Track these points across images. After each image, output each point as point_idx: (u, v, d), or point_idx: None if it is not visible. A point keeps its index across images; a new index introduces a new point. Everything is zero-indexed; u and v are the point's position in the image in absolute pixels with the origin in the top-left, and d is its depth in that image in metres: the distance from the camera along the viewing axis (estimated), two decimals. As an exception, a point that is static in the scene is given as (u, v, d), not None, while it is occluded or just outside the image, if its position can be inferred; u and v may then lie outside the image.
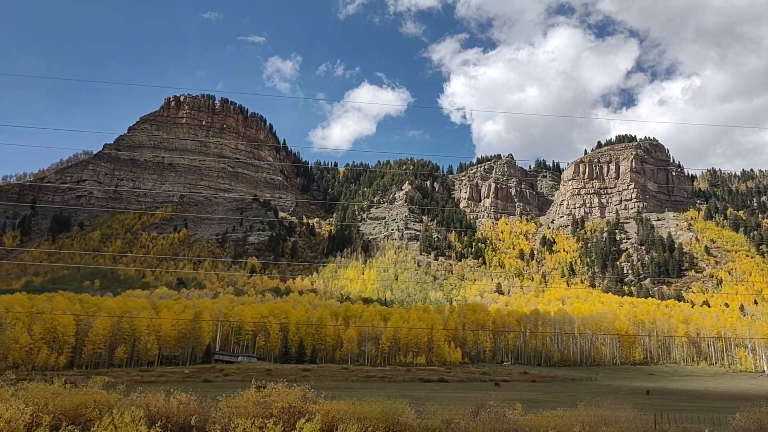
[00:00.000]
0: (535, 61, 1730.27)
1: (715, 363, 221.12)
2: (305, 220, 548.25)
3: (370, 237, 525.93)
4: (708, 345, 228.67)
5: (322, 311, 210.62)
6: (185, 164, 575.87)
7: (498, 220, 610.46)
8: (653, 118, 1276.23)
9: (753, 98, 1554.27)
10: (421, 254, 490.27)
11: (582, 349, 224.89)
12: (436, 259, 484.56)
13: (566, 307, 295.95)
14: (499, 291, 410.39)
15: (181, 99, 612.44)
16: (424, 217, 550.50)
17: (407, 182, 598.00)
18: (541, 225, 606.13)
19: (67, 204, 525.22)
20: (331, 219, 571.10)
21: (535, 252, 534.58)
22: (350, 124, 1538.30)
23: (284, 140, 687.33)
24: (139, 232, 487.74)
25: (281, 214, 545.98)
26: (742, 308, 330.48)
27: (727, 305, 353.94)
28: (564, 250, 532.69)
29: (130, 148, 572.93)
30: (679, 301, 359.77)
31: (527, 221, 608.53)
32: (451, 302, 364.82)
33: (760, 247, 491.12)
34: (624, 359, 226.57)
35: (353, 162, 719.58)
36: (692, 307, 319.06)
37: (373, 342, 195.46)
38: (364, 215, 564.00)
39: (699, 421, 46.47)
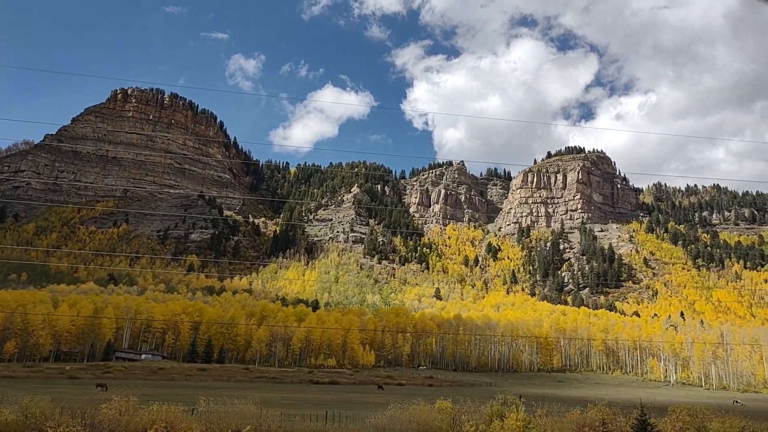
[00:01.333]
0: (498, 70, 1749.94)
1: (629, 372, 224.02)
2: (251, 220, 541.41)
3: (316, 239, 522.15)
4: (625, 354, 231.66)
5: (234, 310, 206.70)
6: (130, 158, 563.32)
7: (446, 226, 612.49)
8: (610, 132, 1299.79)
9: (706, 116, 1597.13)
10: (364, 257, 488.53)
11: (501, 356, 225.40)
12: (380, 263, 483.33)
13: (495, 313, 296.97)
14: (438, 296, 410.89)
15: (129, 92, 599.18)
16: (371, 221, 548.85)
17: (356, 185, 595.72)
18: (488, 232, 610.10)
19: (3, 195, 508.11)
20: (278, 219, 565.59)
21: (480, 259, 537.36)
22: (312, 125, 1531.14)
23: (235, 138, 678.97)
24: (76, 226, 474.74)
25: (226, 213, 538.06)
26: (669, 320, 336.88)
27: (656, 315, 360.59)
28: (508, 258, 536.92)
29: (73, 139, 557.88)
30: (611, 311, 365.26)
31: (475, 228, 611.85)
32: (388, 306, 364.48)
33: (696, 260, 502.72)
34: (542, 366, 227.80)
35: (306, 162, 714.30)
36: (622, 316, 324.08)
37: (283, 343, 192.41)
38: (311, 217, 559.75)
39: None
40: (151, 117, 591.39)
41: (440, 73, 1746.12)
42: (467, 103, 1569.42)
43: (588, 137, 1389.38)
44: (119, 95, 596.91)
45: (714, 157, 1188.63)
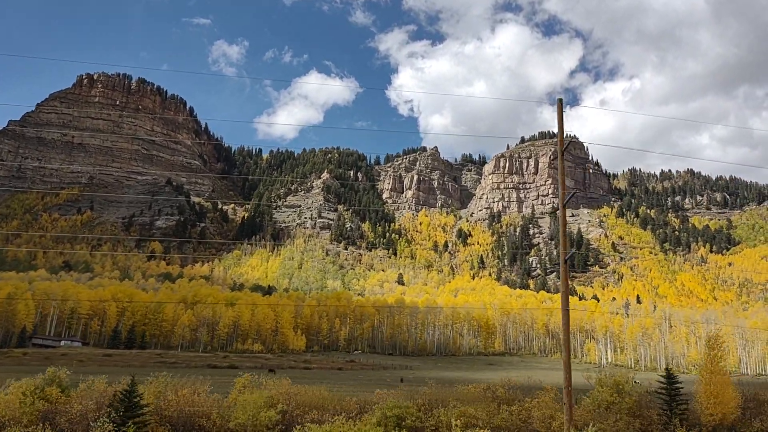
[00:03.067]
0: (482, 55, 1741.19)
1: (576, 355, 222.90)
2: (219, 206, 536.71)
3: (283, 225, 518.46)
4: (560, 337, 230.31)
5: (162, 295, 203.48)
6: (96, 144, 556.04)
7: (419, 212, 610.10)
8: (595, 117, 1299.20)
9: (689, 102, 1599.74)
10: (331, 243, 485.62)
11: (441, 340, 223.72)
12: (346, 249, 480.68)
13: (446, 298, 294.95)
14: (400, 282, 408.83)
15: (95, 77, 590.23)
16: (341, 207, 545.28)
17: (326, 171, 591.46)
18: (461, 218, 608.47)
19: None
20: (248, 206, 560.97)
21: (450, 244, 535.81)
22: (297, 111, 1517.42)
23: (206, 124, 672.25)
24: (39, 213, 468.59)
25: (195, 199, 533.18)
26: (626, 303, 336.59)
27: (614, 299, 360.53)
28: (478, 243, 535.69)
29: (38, 125, 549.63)
30: (572, 296, 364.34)
31: (447, 214, 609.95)
32: (350, 291, 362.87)
33: (664, 244, 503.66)
34: (483, 350, 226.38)
35: (280, 149, 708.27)
36: (579, 301, 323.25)
37: (208, 328, 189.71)
38: (280, 203, 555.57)
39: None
40: (118, 102, 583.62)
41: (425, 58, 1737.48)
42: (452, 88, 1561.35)
43: (572, 123, 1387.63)
44: (85, 80, 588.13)
45: (698, 143, 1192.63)
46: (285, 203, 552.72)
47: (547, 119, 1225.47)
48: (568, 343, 29.10)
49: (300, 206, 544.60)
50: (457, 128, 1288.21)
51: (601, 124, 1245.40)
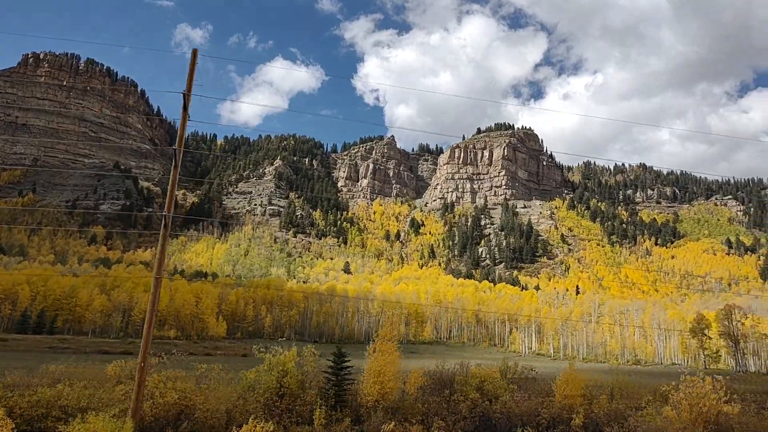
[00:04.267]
0: (448, 46, 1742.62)
1: (497, 344, 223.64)
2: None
3: (233, 211, 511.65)
4: (494, 326, 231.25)
5: (78, 279, 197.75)
6: (41, 126, 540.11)
7: (373, 201, 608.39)
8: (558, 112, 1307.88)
9: (650, 98, 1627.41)
10: (280, 230, 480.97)
11: (370, 328, 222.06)
12: (295, 236, 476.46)
13: (388, 287, 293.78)
14: (347, 270, 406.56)
15: (41, 56, 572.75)
16: (292, 194, 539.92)
17: (279, 158, 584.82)
18: (415, 207, 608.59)
19: None
20: (198, 191, 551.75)
21: (402, 234, 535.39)
22: (261, 98, 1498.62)
23: (158, 108, 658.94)
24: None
25: (144, 184, 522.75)
26: (565, 293, 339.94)
27: (555, 289, 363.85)
28: (430, 233, 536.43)
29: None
30: (514, 286, 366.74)
31: (402, 203, 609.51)
32: (294, 279, 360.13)
33: (611, 237, 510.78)
34: (412, 338, 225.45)
35: (234, 135, 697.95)
36: (518, 291, 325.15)
37: (123, 313, 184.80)
38: (231, 189, 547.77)
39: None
40: (64, 83, 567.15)
41: (391, 48, 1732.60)
42: (418, 78, 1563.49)
43: (536, 117, 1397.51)
44: (31, 59, 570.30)
45: (658, 139, 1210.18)
46: (236, 190, 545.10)
47: (512, 112, 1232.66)
48: (152, 315, 26.57)
49: (251, 193, 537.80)
50: (422, 119, 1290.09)
51: (564, 119, 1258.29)
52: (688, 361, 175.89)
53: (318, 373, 42.43)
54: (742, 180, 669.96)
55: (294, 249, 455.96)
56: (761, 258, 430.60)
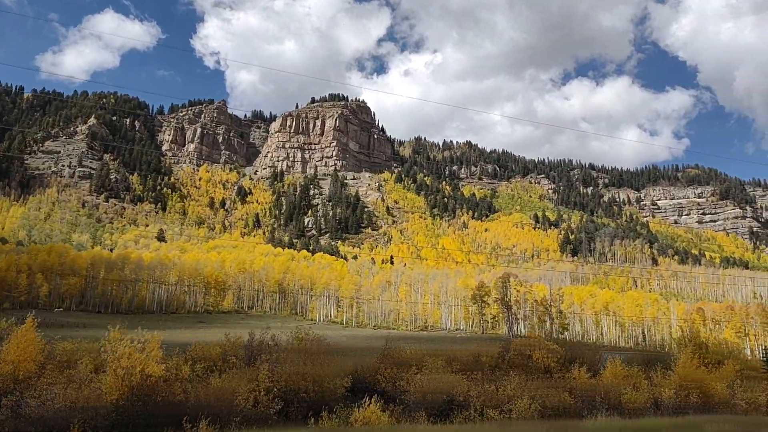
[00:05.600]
0: (292, 13, 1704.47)
1: (299, 312, 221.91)
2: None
3: (37, 172, 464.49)
4: (297, 295, 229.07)
5: None
6: None
7: (200, 167, 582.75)
8: (399, 88, 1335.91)
9: (484, 79, 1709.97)
10: (90, 194, 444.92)
11: (164, 297, 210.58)
12: (107, 201, 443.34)
13: (197, 255, 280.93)
14: (161, 238, 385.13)
15: None
16: (108, 156, 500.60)
17: (93, 116, 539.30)
18: (245, 175, 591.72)
19: None
20: None
21: (228, 202, 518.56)
22: (88, 52, 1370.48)
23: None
24: None
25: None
26: (381, 263, 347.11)
27: (372, 259, 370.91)
28: (257, 202, 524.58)
29: None
30: (332, 255, 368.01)
31: (230, 170, 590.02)
32: (100, 246, 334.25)
33: (433, 210, 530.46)
34: (211, 307, 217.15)
35: (46, 88, 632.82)
36: (336, 260, 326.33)
37: None
38: (36, 148, 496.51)
39: None
40: None
41: (233, 10, 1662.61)
42: (262, 45, 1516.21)
43: (378, 93, 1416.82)
44: None
45: (491, 120, 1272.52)
46: (42, 148, 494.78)
47: (355, 85, 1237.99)
48: None
49: (59, 153, 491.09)
50: (265, 86, 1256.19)
51: (408, 94, 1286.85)
52: (470, 327, 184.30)
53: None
54: (555, 160, 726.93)
55: (105, 215, 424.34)
56: (562, 232, 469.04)
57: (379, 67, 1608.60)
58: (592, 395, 58.62)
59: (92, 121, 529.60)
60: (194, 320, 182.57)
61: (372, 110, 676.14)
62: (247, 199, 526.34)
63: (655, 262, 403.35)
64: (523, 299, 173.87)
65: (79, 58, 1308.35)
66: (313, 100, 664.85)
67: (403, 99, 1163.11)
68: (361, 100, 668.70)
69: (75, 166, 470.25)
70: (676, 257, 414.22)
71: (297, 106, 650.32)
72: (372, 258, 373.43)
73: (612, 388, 60.38)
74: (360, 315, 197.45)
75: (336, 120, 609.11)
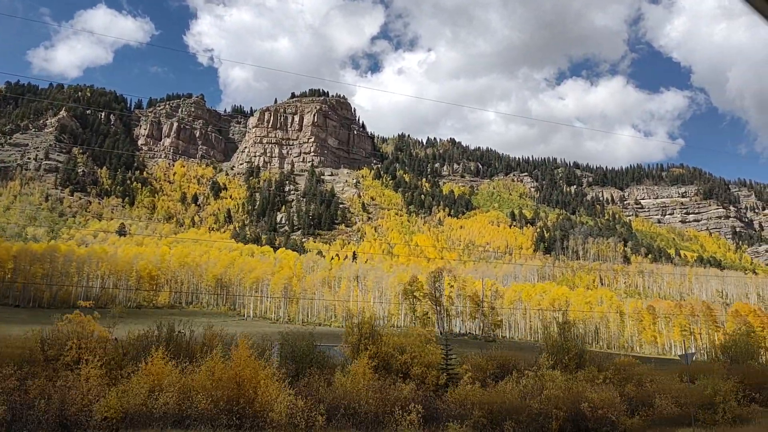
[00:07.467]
0: (285, 10, 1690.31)
1: (237, 308, 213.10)
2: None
3: (2, 165, 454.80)
4: (237, 291, 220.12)
5: None
6: None
7: (176, 161, 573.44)
8: (393, 86, 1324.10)
9: (477, 78, 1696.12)
10: (56, 188, 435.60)
11: (92, 292, 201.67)
12: (72, 195, 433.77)
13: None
14: (121, 232, 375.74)
15: None
16: (76, 149, 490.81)
17: (64, 109, 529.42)
18: (221, 170, 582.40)
19: None
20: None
21: (201, 197, 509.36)
22: (81, 48, 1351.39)
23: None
24: None
25: None
26: (349, 259, 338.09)
27: (337, 255, 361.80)
28: (231, 197, 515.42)
29: None
30: (296, 251, 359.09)
31: (207, 166, 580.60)
32: (55, 240, 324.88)
33: (410, 206, 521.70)
34: (145, 302, 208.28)
35: (20, 81, 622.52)
36: (299, 256, 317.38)
37: None
38: (4, 141, 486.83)
39: None
40: None
41: (226, 6, 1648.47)
42: (255, 41, 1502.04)
43: (372, 91, 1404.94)
44: None
45: (486, 118, 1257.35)
46: (9, 141, 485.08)
47: (350, 83, 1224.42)
48: None
49: (27, 145, 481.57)
50: (258, 83, 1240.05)
51: (401, 93, 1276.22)
52: (402, 322, 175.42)
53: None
54: (540, 159, 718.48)
55: (69, 209, 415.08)
56: (538, 230, 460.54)
57: (373, 65, 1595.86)
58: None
59: (62, 113, 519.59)
60: (110, 316, 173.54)
61: (353, 106, 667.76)
62: (221, 195, 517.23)
63: (627, 260, 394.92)
64: (456, 295, 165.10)
65: (71, 54, 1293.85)
66: (292, 95, 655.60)
67: (396, 98, 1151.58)
68: (341, 95, 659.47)
69: (41, 159, 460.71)
70: (649, 256, 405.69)
71: (276, 101, 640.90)
72: (336, 254, 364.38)
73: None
74: (292, 311, 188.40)
75: (314, 115, 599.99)
